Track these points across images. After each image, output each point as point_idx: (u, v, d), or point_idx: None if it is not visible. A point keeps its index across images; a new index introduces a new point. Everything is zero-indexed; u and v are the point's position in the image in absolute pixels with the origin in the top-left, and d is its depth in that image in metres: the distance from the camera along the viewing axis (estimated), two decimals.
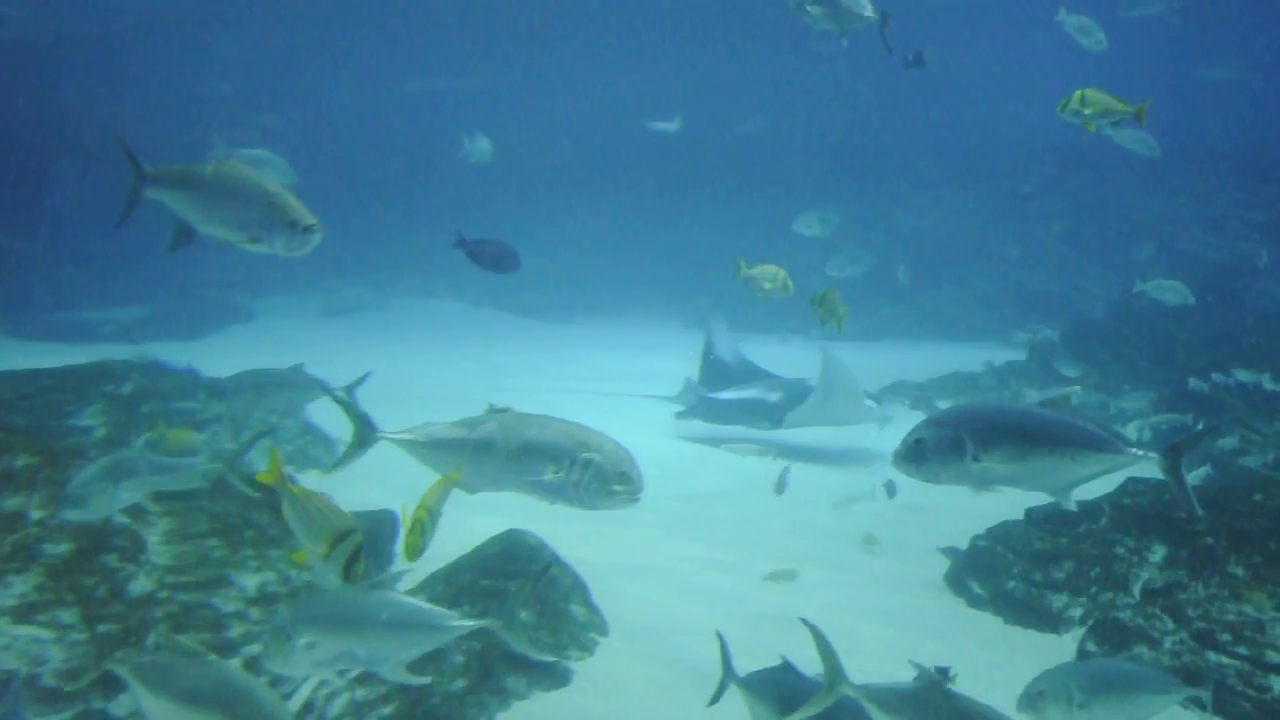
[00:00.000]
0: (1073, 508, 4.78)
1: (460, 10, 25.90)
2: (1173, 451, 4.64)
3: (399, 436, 5.10)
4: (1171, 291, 14.45)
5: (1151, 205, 23.16)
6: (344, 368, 16.15)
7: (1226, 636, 6.46)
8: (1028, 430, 4.57)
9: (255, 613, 6.02)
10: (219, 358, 13.20)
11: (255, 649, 5.80)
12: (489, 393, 14.53)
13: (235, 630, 5.82)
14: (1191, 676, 6.27)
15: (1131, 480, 8.17)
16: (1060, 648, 7.04)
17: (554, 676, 6.18)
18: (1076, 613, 7.37)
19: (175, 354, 12.61)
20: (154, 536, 6.08)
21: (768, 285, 9.34)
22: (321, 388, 10.23)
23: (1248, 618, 6.49)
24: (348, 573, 4.25)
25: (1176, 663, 6.42)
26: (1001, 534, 8.14)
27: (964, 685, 6.50)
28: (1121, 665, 5.23)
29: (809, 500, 10.15)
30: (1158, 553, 7.40)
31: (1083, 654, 6.78)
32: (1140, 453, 4.62)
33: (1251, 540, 7.11)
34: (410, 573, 7.40)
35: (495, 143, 14.02)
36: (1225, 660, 6.33)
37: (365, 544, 7.64)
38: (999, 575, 7.78)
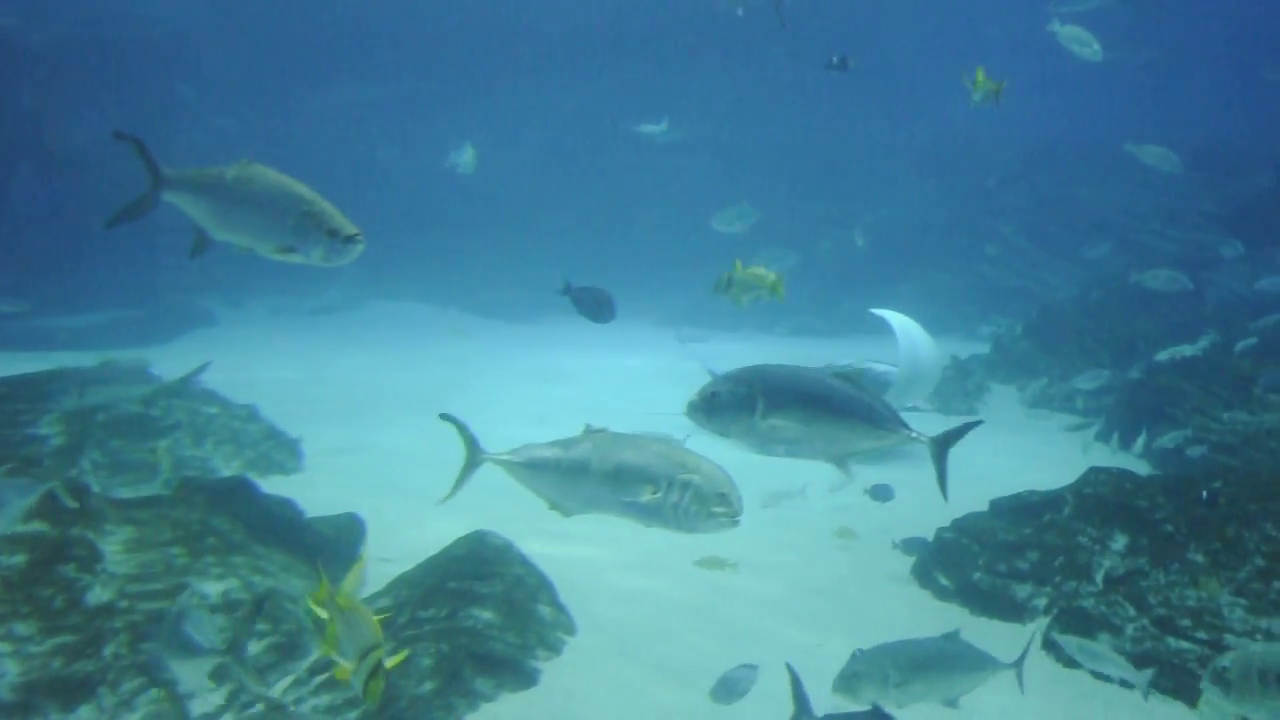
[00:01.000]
0: (848, 477, 4.97)
1: (417, 15, 25.87)
2: (941, 441, 4.87)
3: (502, 458, 4.93)
4: (1170, 280, 14.67)
5: (1111, 199, 23.40)
6: (301, 371, 16.17)
7: (1186, 622, 6.55)
8: (817, 397, 4.73)
9: (219, 620, 5.96)
10: (180, 364, 13.07)
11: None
12: (458, 392, 14.59)
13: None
14: (1152, 662, 6.35)
15: (1094, 470, 8.27)
16: (1025, 637, 7.07)
17: (522, 677, 6.15)
18: (1041, 602, 7.43)
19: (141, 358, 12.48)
20: (113, 546, 6.00)
21: (756, 293, 9.32)
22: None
23: (1207, 603, 6.58)
24: (367, 688, 4.16)
25: (1138, 649, 6.49)
26: (967, 526, 8.20)
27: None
28: (937, 643, 5.24)
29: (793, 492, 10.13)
30: (1119, 541, 7.47)
31: (1047, 643, 6.84)
32: (915, 435, 4.82)
33: (1210, 527, 7.20)
34: (376, 574, 7.39)
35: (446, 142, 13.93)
36: (1185, 645, 6.41)
37: (331, 547, 7.66)
38: (965, 567, 7.84)
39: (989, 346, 16.92)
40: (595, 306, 7.89)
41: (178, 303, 20.85)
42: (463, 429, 5.02)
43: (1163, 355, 13.29)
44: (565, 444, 4.81)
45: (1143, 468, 11.24)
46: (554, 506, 4.86)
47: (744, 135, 23.93)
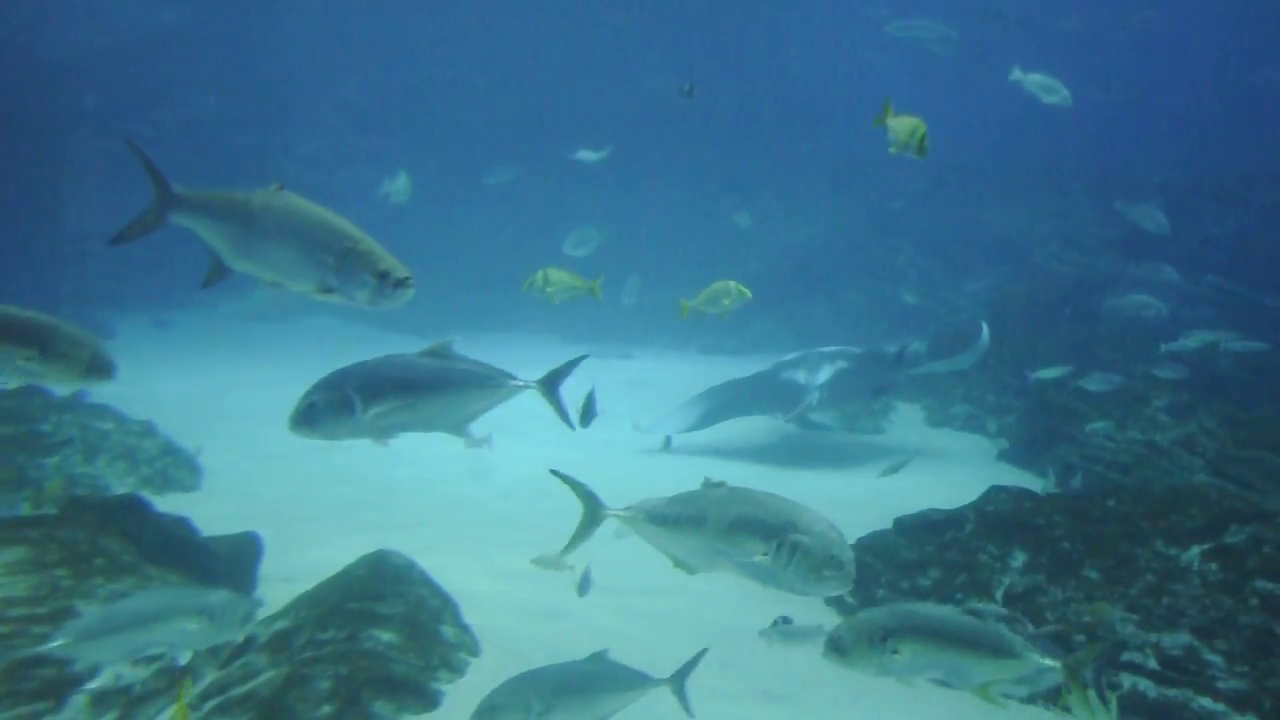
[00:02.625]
0: (469, 439, 5.07)
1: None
2: (547, 381, 5.17)
3: (624, 514, 4.76)
4: (1143, 305, 15.00)
5: (1012, 221, 24.04)
6: (203, 384, 15.72)
7: (1081, 637, 6.70)
8: (411, 379, 4.83)
9: None
10: None
11: (104, 683, 5.53)
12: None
13: (81, 664, 5.51)
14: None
15: (995, 489, 8.44)
16: None
17: (424, 699, 6.03)
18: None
19: None
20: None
21: (726, 301, 9.49)
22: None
23: (1101, 618, 6.74)
24: None
25: None
26: (870, 544, 8.30)
27: (834, 695, 6.60)
28: (584, 665, 5.23)
29: None
30: (1019, 558, 7.63)
31: None
32: (521, 383, 5.06)
33: (1105, 543, 7.40)
34: (277, 594, 7.19)
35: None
36: None
37: (227, 567, 7.43)
38: (869, 585, 7.92)
39: None
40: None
41: (74, 314, 20.18)
42: (577, 486, 4.86)
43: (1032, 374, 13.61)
44: (684, 499, 4.67)
45: (1043, 485, 11.54)
46: (678, 564, 4.72)
47: (652, 153, 23.96)
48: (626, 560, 8.71)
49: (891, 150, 6.85)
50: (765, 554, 4.33)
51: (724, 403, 13.76)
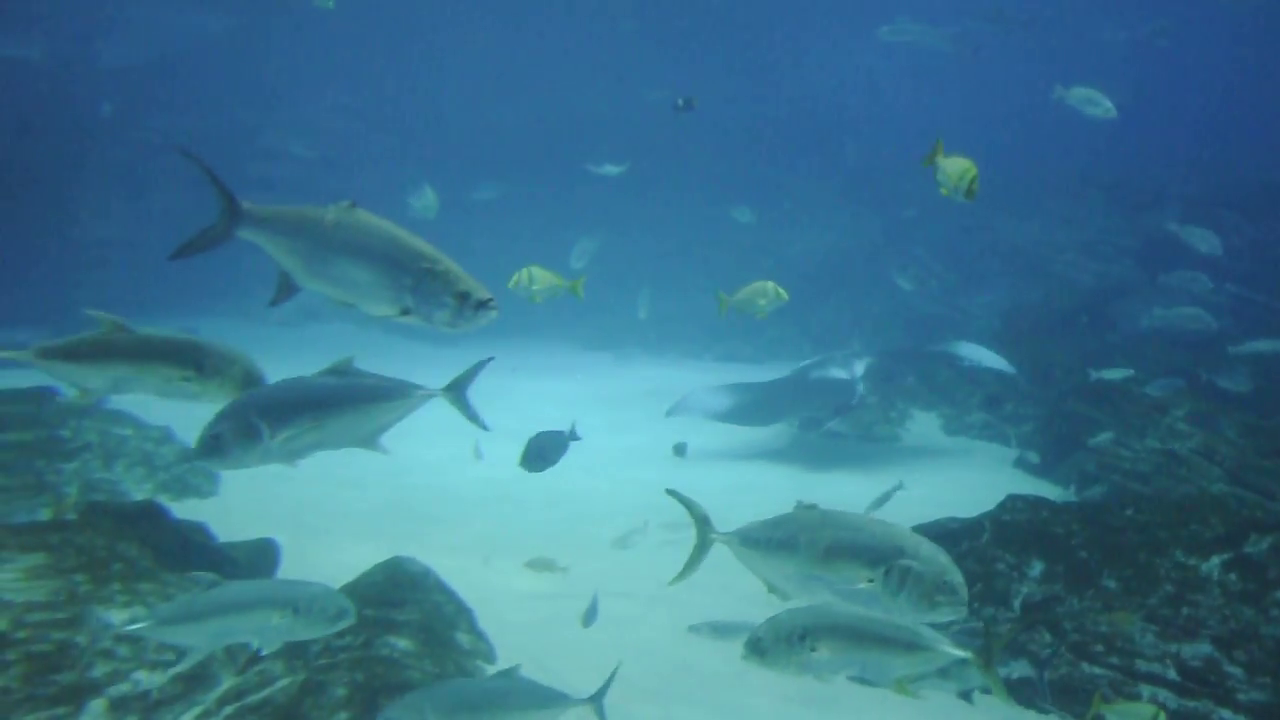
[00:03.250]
0: (383, 451, 5.09)
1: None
2: (453, 387, 5.20)
3: (727, 538, 4.67)
4: (1192, 319, 14.90)
5: (1029, 230, 23.94)
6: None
7: (1100, 648, 6.65)
8: (315, 400, 4.84)
9: (123, 650, 5.75)
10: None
11: (123, 688, 5.55)
12: None
13: (100, 669, 5.54)
14: (1070, 688, 6.45)
15: (1012, 497, 8.39)
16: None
17: None
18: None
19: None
20: (10, 574, 5.76)
21: (763, 301, 9.49)
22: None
23: (1119, 628, 6.70)
24: None
25: (1054, 674, 6.58)
26: None
27: (851, 706, 6.57)
28: (490, 683, 5.12)
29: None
30: (1036, 568, 7.58)
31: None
32: (427, 391, 5.10)
33: (1123, 554, 7.35)
34: None
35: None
36: (1098, 670, 6.51)
37: (244, 573, 7.46)
38: None
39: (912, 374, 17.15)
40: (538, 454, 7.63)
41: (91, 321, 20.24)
42: (693, 508, 4.80)
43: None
44: (777, 523, 4.58)
45: (1060, 494, 11.49)
46: (771, 590, 4.63)
47: (665, 163, 23.94)
48: (634, 568, 8.72)
49: (942, 191, 6.74)
50: (870, 580, 4.23)
51: (753, 402, 13.66)
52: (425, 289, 4.26)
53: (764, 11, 27.59)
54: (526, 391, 16.28)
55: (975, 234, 24.13)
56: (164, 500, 9.20)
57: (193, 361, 4.71)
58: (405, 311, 4.30)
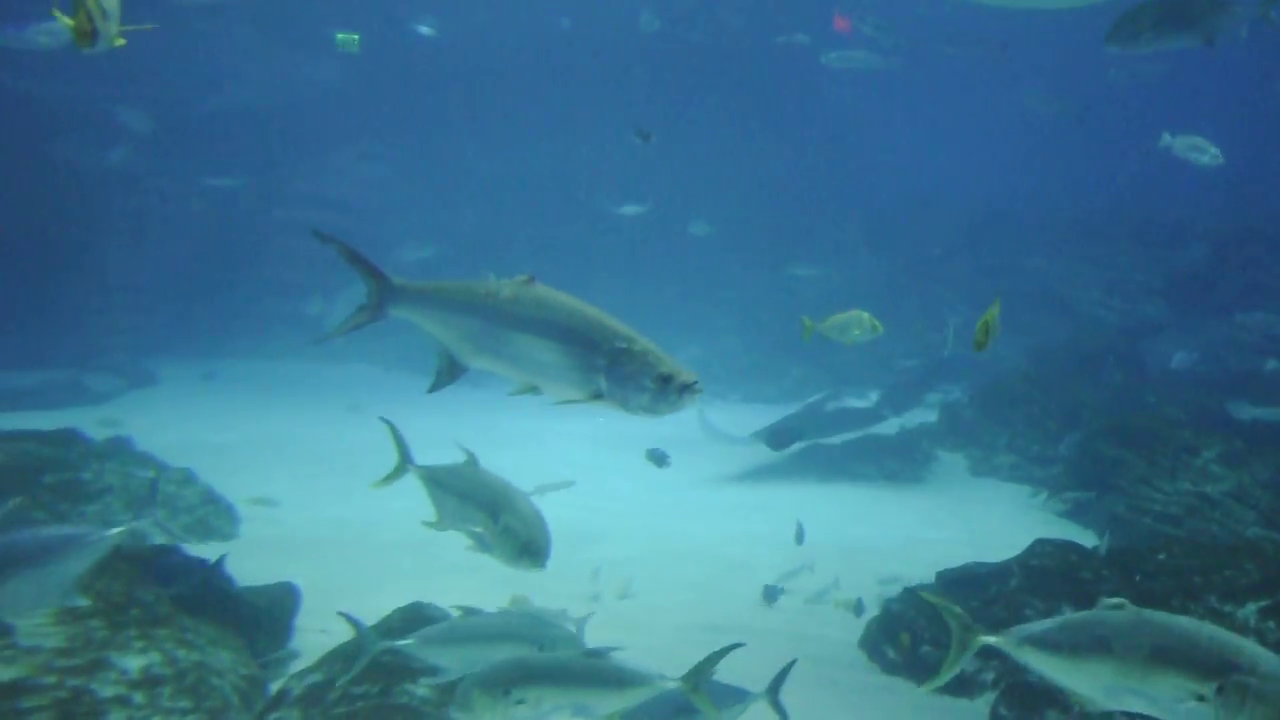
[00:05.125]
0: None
1: None
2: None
3: (1002, 641, 4.18)
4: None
5: (1055, 270, 23.82)
6: (241, 432, 15.76)
7: None
8: None
9: (139, 697, 5.69)
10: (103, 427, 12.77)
11: None
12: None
13: (115, 717, 5.48)
14: None
15: (1040, 542, 8.25)
16: (974, 713, 7.00)
17: None
18: (989, 676, 7.34)
19: (67, 421, 12.16)
20: (27, 619, 5.72)
21: (857, 331, 9.40)
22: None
23: None
24: None
25: None
26: (914, 598, 8.11)
27: None
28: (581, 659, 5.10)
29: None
30: (1065, 614, 7.42)
31: (995, 718, 6.75)
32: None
33: (1156, 599, 7.17)
34: (313, 645, 7.15)
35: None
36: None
37: (264, 618, 7.40)
38: (913, 640, 7.74)
39: (936, 415, 16.98)
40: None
41: (123, 363, 20.34)
42: (948, 610, 4.34)
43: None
44: (1077, 624, 4.11)
45: (1090, 538, 11.29)
46: (1075, 699, 4.16)
47: (687, 205, 23.99)
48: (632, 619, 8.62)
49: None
50: (1201, 698, 3.71)
51: (788, 429, 14.01)
52: (621, 371, 3.91)
53: (783, 62, 27.73)
54: (556, 433, 16.21)
55: (999, 275, 24.02)
56: (186, 543, 9.19)
57: (493, 512, 5.10)
58: (597, 395, 3.96)
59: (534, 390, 4.09)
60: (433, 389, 4.31)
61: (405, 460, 5.81)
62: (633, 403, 3.94)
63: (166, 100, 22.51)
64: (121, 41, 4.98)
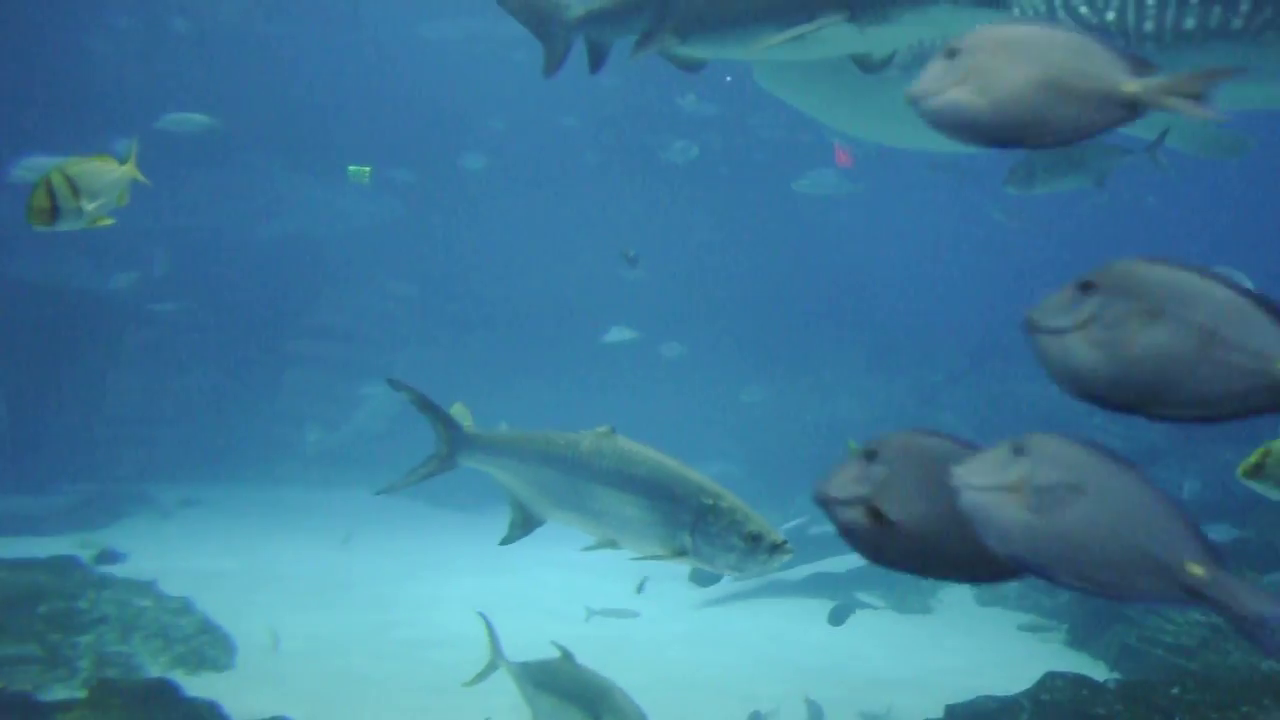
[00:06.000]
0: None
1: None
2: None
3: None
4: None
5: (1056, 394, 23.83)
6: (240, 560, 15.57)
7: None
8: None
9: None
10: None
11: None
12: (408, 581, 14.11)
13: None
14: None
15: (1050, 675, 8.09)
16: None
17: None
18: None
19: (67, 548, 12.11)
20: None
21: None
22: None
23: None
24: None
25: None
26: None
27: None
28: None
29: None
30: None
31: None
32: None
33: None
34: None
35: None
36: None
37: None
38: None
39: None
40: None
41: (124, 489, 20.25)
42: None
43: None
44: None
45: (1101, 670, 11.06)
46: None
47: (682, 325, 24.12)
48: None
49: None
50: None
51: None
52: (708, 529, 3.81)
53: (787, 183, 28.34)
54: (533, 559, 16.03)
55: (1004, 400, 24.11)
56: (179, 674, 9.05)
57: (593, 711, 4.87)
58: (681, 552, 3.85)
59: (612, 545, 4.03)
60: (505, 541, 4.25)
61: (497, 656, 5.61)
62: (720, 561, 3.86)
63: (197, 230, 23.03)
64: (109, 221, 4.68)
